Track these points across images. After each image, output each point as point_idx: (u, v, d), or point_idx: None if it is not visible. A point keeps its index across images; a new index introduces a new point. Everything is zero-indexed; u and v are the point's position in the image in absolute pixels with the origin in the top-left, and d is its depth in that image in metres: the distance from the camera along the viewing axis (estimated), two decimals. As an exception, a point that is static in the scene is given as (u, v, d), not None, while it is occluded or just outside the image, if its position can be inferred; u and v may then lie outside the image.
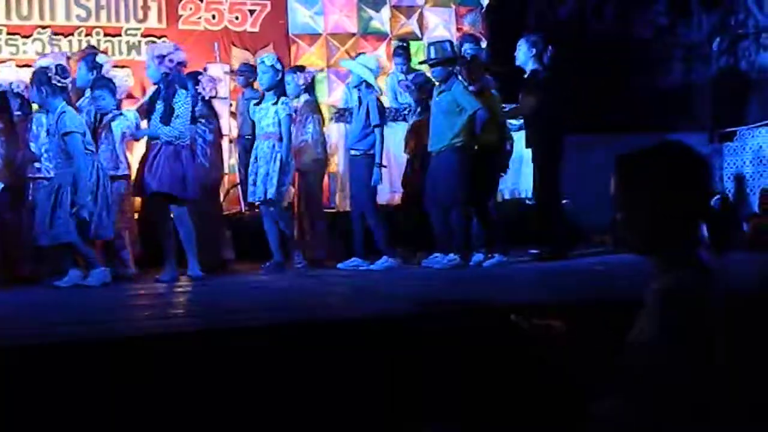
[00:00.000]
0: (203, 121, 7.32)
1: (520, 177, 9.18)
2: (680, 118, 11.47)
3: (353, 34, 10.12)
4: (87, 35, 9.23)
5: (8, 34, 9.06)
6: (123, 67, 9.03)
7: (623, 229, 2.15)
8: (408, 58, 9.29)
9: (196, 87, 7.24)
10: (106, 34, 9.33)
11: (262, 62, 7.31)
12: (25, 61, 8.90)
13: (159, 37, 9.44)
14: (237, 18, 9.79)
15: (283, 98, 7.18)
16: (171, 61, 6.73)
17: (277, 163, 7.07)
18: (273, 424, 3.49)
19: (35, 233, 6.35)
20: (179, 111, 6.64)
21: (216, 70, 9.07)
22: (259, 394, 3.50)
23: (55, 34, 9.16)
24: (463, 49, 9.28)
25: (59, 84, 6.38)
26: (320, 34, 10.01)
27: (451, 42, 7.63)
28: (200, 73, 7.58)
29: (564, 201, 8.01)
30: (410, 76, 8.17)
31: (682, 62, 12.05)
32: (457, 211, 7.01)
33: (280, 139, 7.11)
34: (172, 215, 6.71)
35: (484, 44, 9.67)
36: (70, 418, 3.26)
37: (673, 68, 12.06)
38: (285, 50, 9.68)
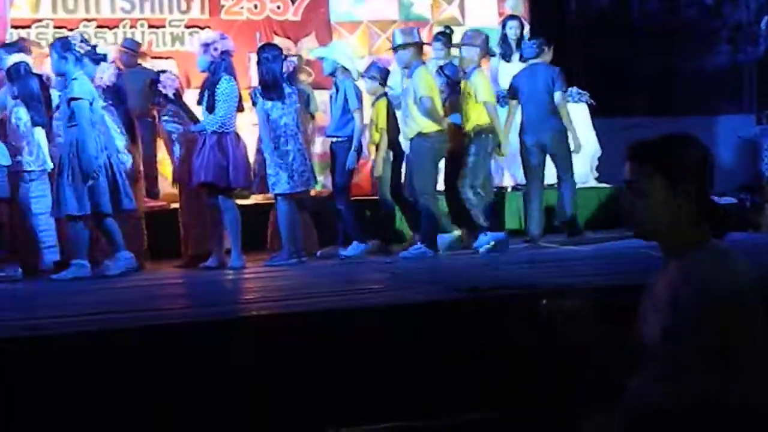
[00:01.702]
0: (169, 116, 7.18)
1: None
2: (727, 99, 11.31)
3: (394, 21, 10.10)
4: (131, 27, 9.33)
5: (55, 27, 9.18)
6: (167, 58, 9.12)
7: (635, 215, 2.26)
8: (450, 44, 9.24)
9: (158, 86, 7.17)
10: (150, 26, 9.42)
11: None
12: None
13: (202, 28, 9.50)
14: (279, 7, 9.82)
15: (256, 89, 7.08)
16: (216, 49, 6.76)
17: (263, 154, 6.98)
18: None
19: (54, 206, 6.34)
20: (221, 98, 6.66)
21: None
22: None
23: (100, 27, 9.27)
24: (506, 28, 9.26)
25: (82, 51, 6.42)
26: (361, 22, 10.01)
27: (417, 30, 7.62)
28: (163, 71, 7.49)
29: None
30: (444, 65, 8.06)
31: (729, 43, 11.86)
32: (424, 199, 7.02)
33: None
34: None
35: (527, 27, 9.60)
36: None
37: (719, 49, 11.87)
38: (326, 38, 9.69)
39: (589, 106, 9.24)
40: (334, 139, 7.38)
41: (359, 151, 7.29)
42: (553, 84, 7.60)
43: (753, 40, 11.77)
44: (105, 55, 7.08)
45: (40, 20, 9.16)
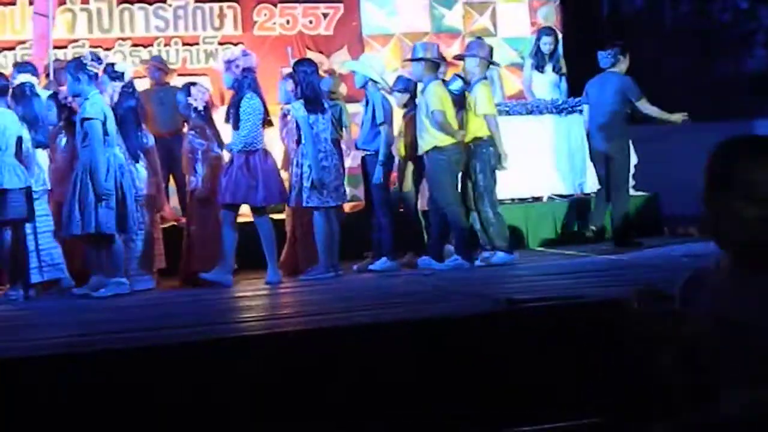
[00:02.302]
0: (195, 132, 7.08)
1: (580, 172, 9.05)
2: (764, 103, 11.17)
3: (426, 33, 10.11)
4: (166, 45, 9.43)
5: (91, 47, 9.28)
6: (201, 75, 9.19)
7: (714, 223, 2.09)
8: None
9: (188, 98, 7.10)
10: (184, 44, 9.52)
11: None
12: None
13: (235, 44, 9.56)
14: (311, 22, 9.87)
15: (294, 102, 6.98)
16: (237, 66, 6.73)
17: (301, 168, 6.87)
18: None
19: (63, 225, 6.34)
20: (244, 116, 6.65)
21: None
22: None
23: (135, 45, 9.38)
24: (540, 42, 9.27)
25: (95, 70, 6.46)
26: (393, 34, 10.03)
27: (437, 46, 7.66)
28: (193, 84, 7.41)
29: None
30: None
31: (765, 46, 11.73)
32: (450, 211, 7.02)
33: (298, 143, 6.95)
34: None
35: (560, 41, 9.56)
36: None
37: (755, 53, 11.75)
38: (359, 52, 9.71)
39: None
40: (365, 153, 7.41)
41: (386, 165, 7.27)
42: (624, 94, 7.82)
43: (789, 43, 11.65)
44: (123, 73, 7.04)
45: (76, 40, 9.29)
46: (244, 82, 6.75)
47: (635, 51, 10.07)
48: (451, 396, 3.71)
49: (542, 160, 8.89)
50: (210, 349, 3.71)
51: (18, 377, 3.47)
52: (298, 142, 6.93)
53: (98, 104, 6.38)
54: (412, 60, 7.31)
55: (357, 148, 7.60)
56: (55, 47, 8.92)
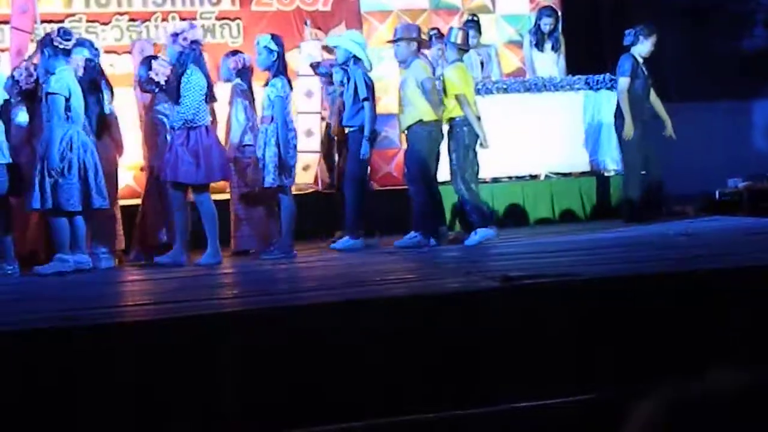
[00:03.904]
0: (160, 108, 7.02)
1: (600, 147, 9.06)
2: (763, 84, 11.15)
3: (425, 10, 10.07)
4: (163, 20, 9.38)
5: (88, 21, 9.26)
6: (199, 50, 9.14)
7: None
8: (479, 32, 9.23)
9: (149, 72, 7.00)
10: (181, 19, 9.45)
11: (257, 43, 7.08)
12: (104, 48, 9.11)
13: (233, 20, 9.55)
14: (309, -3, 9.82)
15: (273, 79, 6.91)
16: (185, 39, 6.59)
17: (272, 148, 6.81)
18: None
19: (25, 200, 6.30)
20: (185, 91, 6.49)
21: (310, 47, 9.04)
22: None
23: (132, 20, 9.33)
24: (541, 22, 9.26)
25: (60, 46, 6.37)
26: (392, 11, 9.99)
27: (418, 27, 7.66)
28: (154, 57, 7.29)
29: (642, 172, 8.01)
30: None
31: (764, 26, 11.69)
32: (417, 188, 7.04)
33: (272, 122, 6.87)
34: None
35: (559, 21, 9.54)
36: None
37: (754, 32, 11.71)
38: (357, 28, 9.67)
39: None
40: (348, 129, 7.36)
41: (372, 140, 7.24)
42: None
43: (789, 23, 11.61)
44: (86, 43, 6.96)
45: (72, 15, 9.24)
46: (189, 56, 6.57)
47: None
48: (446, 373, 3.71)
49: (540, 138, 8.88)
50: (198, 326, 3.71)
51: None
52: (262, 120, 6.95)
53: (63, 80, 6.30)
54: (394, 41, 7.29)
55: (341, 125, 7.55)
56: (51, 21, 8.89)
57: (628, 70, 8.11)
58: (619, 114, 8.16)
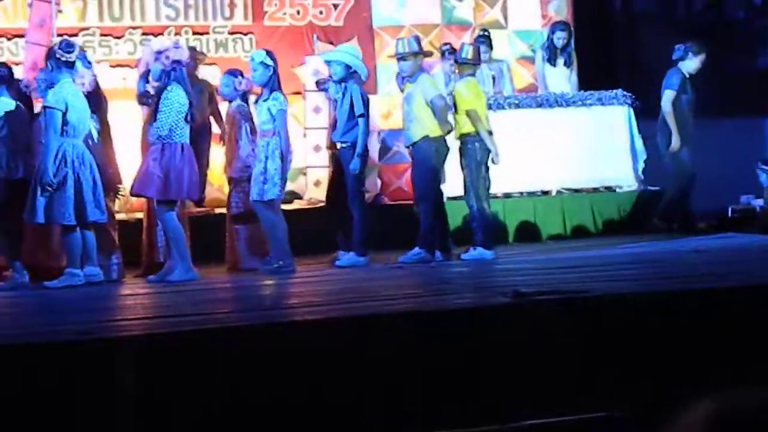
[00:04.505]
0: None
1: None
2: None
3: (437, 25, 10.09)
4: (176, 35, 9.42)
5: (101, 35, 9.31)
6: (211, 64, 9.19)
7: None
8: (490, 47, 9.24)
9: (146, 85, 6.95)
10: (194, 33, 9.51)
11: (252, 59, 7.03)
12: (117, 62, 9.17)
13: (245, 34, 9.59)
14: (321, 12, 9.85)
15: (274, 93, 6.85)
16: (167, 58, 6.52)
17: (276, 160, 6.74)
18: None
19: (26, 212, 6.23)
20: (162, 107, 6.43)
21: (317, 61, 9.01)
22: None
23: (145, 34, 9.37)
24: (554, 36, 9.27)
25: (63, 59, 6.33)
26: (404, 26, 10.00)
27: (417, 37, 7.62)
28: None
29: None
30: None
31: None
32: (424, 204, 7.01)
33: (273, 135, 6.80)
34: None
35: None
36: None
37: (766, 51, 11.67)
38: (369, 43, 9.72)
39: (634, 108, 9.16)
40: (340, 145, 7.25)
41: (363, 156, 7.14)
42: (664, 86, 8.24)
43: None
44: (80, 56, 6.74)
45: (86, 28, 9.30)
46: (171, 74, 6.51)
47: (646, 46, 10.06)
48: (457, 389, 3.69)
49: (552, 154, 8.87)
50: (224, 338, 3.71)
51: None
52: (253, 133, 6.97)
53: (61, 94, 6.25)
54: (400, 57, 7.23)
55: (333, 141, 7.47)
56: (66, 35, 8.92)
57: (676, 84, 8.17)
58: (662, 128, 8.19)
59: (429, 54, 7.78)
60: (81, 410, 3.27)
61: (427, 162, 7.08)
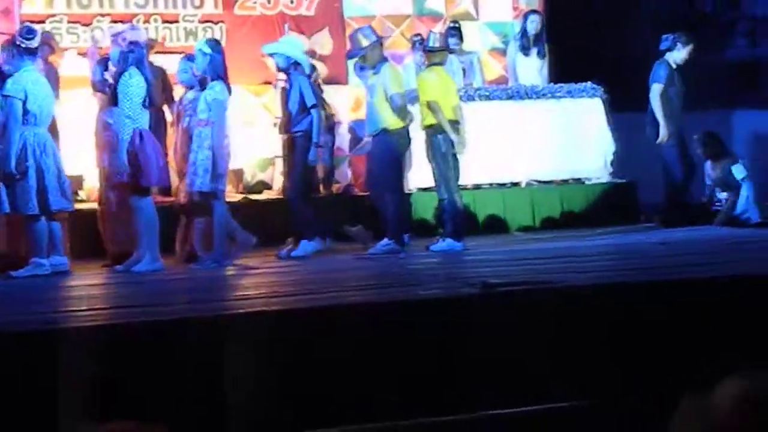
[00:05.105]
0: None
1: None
2: (744, 93, 11.21)
3: (408, 16, 10.08)
4: (145, 23, 9.32)
5: (69, 22, 9.20)
6: (181, 53, 9.10)
7: None
8: (461, 38, 9.24)
9: (104, 73, 6.83)
10: (164, 21, 9.42)
11: (199, 48, 6.87)
12: (85, 50, 9.06)
13: (216, 23, 9.52)
14: (292, 2, 9.79)
15: (213, 83, 6.68)
16: (124, 39, 6.41)
17: (205, 151, 6.57)
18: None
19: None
20: (123, 93, 6.31)
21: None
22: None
23: (114, 22, 9.27)
24: (527, 21, 9.26)
25: (23, 45, 6.22)
26: (375, 16, 9.98)
27: (371, 27, 7.59)
28: (108, 59, 6.94)
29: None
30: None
31: (746, 36, 11.77)
32: (391, 196, 7.00)
33: (207, 125, 6.64)
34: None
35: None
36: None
37: (736, 42, 11.78)
38: (340, 33, 9.68)
39: (604, 101, 9.21)
40: (294, 134, 7.16)
41: (319, 146, 7.13)
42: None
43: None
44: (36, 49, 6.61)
45: (54, 15, 9.18)
46: (129, 57, 6.39)
47: (616, 39, 10.10)
48: (424, 380, 3.70)
49: (522, 146, 8.89)
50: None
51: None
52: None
53: (20, 82, 6.16)
54: (359, 55, 7.21)
55: (286, 132, 7.34)
56: (33, 22, 8.81)
57: (663, 76, 8.16)
58: (651, 121, 8.20)
59: (384, 37, 7.67)
60: (43, 400, 3.24)
61: (389, 154, 7.05)
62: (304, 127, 7.06)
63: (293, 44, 7.31)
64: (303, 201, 7.12)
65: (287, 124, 7.26)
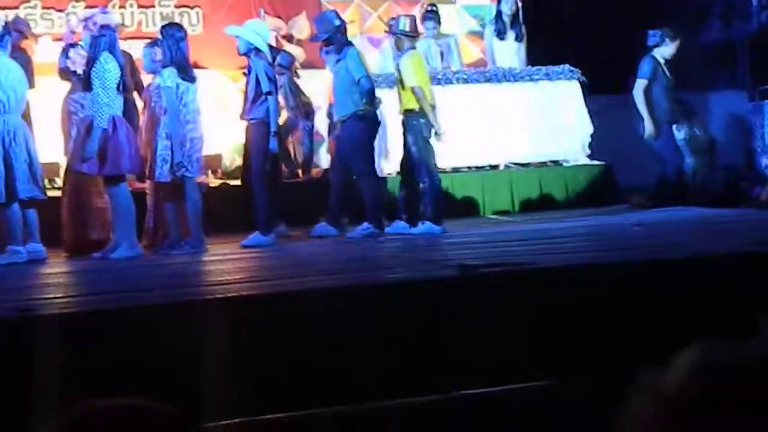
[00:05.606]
0: (77, 97, 6.81)
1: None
2: (719, 76, 11.27)
3: (386, 0, 10.06)
4: (121, 8, 9.25)
5: (43, 8, 9.12)
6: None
7: None
8: (438, 22, 9.23)
9: (67, 61, 6.82)
10: (139, 6, 9.35)
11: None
12: (59, 36, 8.97)
13: (192, 8, 9.46)
14: (269, -15, 9.75)
15: (162, 70, 6.62)
16: (95, 24, 6.37)
17: (162, 141, 6.52)
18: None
19: None
20: (99, 78, 6.26)
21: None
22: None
23: (89, 7, 9.19)
24: (502, 1, 9.26)
25: None
26: (352, 1, 9.95)
27: (335, 11, 7.58)
28: (73, 46, 7.02)
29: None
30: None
31: (720, 19, 11.82)
32: (365, 181, 7.01)
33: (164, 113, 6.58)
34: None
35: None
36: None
37: (711, 25, 11.83)
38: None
39: (582, 83, 9.24)
40: (251, 121, 7.05)
41: (276, 134, 7.02)
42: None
43: (745, 16, 11.74)
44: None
45: (28, 1, 9.09)
46: (101, 41, 6.32)
47: (593, 22, 10.13)
48: (402, 361, 3.73)
49: (500, 129, 8.92)
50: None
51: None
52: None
53: None
54: (326, 42, 7.21)
55: (243, 119, 7.22)
56: (6, 8, 8.75)
57: (647, 72, 8.21)
58: (639, 116, 8.25)
59: (345, 21, 7.61)
60: (20, 386, 3.24)
61: (359, 139, 7.03)
62: (260, 115, 6.91)
63: (256, 29, 7.17)
64: (261, 189, 6.95)
65: (243, 111, 7.16)
